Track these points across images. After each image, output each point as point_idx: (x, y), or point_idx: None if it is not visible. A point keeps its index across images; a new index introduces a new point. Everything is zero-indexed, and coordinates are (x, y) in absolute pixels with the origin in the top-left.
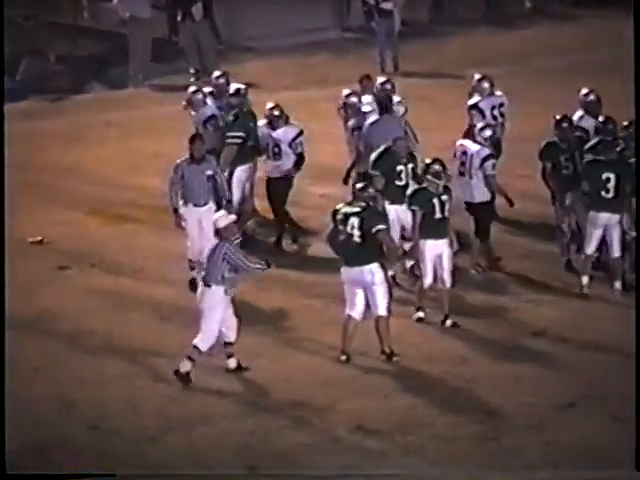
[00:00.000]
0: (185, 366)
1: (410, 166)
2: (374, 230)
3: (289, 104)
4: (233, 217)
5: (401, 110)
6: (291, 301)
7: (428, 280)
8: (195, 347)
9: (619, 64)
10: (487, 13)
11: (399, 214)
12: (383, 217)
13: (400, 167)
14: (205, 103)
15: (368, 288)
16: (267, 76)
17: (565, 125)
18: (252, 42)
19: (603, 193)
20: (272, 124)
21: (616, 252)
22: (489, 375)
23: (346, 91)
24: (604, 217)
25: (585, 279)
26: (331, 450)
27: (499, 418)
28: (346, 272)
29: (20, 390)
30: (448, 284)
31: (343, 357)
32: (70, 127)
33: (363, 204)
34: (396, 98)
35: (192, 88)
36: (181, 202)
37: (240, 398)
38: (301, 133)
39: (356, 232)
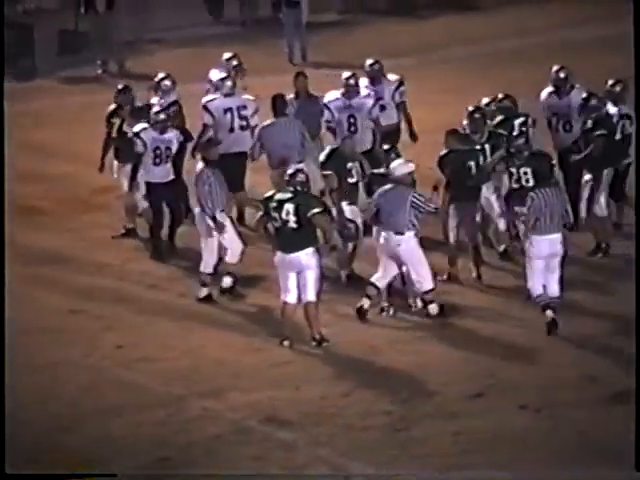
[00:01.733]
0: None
1: (358, 163)
2: (309, 214)
3: (200, 94)
4: (412, 166)
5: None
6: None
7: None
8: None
9: (526, 53)
10: (395, 3)
11: (354, 213)
12: (318, 201)
13: (350, 164)
14: (173, 89)
15: (301, 272)
16: (176, 67)
17: (477, 116)
18: (161, 33)
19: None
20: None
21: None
22: (398, 365)
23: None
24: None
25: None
26: (242, 441)
27: (408, 408)
28: (281, 258)
29: None
30: None
31: (286, 342)
32: None
33: (295, 190)
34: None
35: (161, 74)
36: (198, 209)
37: (152, 389)
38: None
39: (292, 218)
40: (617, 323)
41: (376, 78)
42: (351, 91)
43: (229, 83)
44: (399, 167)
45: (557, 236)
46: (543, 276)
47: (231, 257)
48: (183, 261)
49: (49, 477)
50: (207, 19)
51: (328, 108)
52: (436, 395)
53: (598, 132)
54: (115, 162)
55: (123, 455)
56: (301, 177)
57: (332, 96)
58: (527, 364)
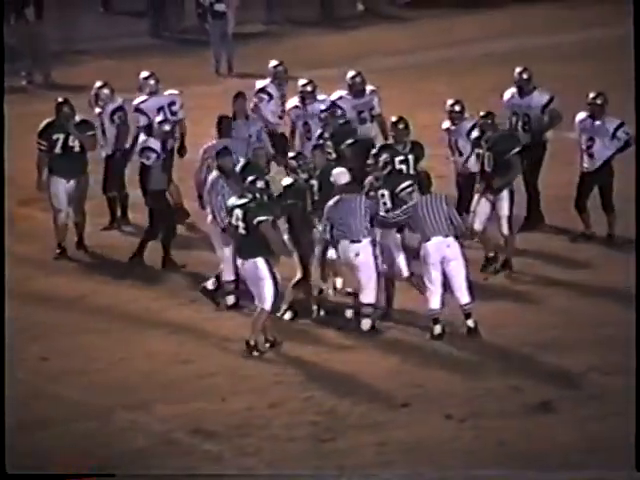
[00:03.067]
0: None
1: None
2: (255, 221)
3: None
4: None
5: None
6: (129, 304)
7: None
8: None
9: (449, 65)
10: (320, 14)
11: None
12: (269, 209)
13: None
14: (112, 97)
15: (253, 282)
16: (101, 78)
17: (401, 127)
18: (87, 44)
19: None
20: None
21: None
22: (324, 375)
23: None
24: None
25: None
26: (169, 453)
27: (334, 418)
28: (239, 265)
29: None
30: None
31: (267, 345)
32: None
33: (251, 196)
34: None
35: (98, 83)
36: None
37: (79, 401)
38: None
39: (240, 224)
40: (543, 333)
41: (358, 90)
42: (358, 89)
43: (152, 82)
44: (340, 176)
45: (445, 240)
46: (441, 284)
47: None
48: (107, 273)
49: (49, 477)
50: (132, 31)
51: (338, 106)
52: (362, 405)
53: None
54: (53, 178)
55: (48, 467)
56: (260, 184)
57: (338, 95)
58: (453, 374)
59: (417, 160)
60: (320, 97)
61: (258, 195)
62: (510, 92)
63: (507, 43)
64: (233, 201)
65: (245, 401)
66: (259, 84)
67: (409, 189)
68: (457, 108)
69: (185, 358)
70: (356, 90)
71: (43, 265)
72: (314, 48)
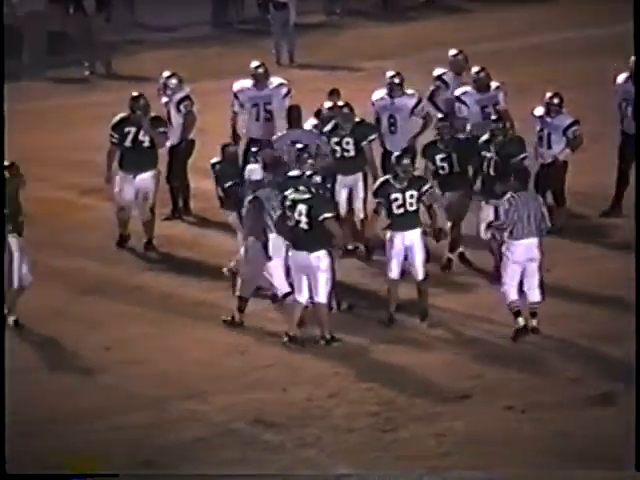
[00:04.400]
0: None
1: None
2: (321, 218)
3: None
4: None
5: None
6: (185, 295)
7: None
8: None
9: (506, 56)
10: (381, 5)
11: None
12: (331, 205)
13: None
14: (180, 86)
15: (312, 274)
16: (162, 68)
17: (443, 124)
18: (146, 35)
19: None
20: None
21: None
22: (384, 366)
23: None
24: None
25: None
26: (227, 444)
27: (394, 409)
28: (294, 257)
29: None
30: None
31: (285, 339)
32: None
33: (311, 191)
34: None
35: (166, 73)
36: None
37: (135, 392)
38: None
39: (304, 219)
40: (601, 326)
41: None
42: (395, 90)
43: (261, 70)
44: (253, 172)
45: (534, 240)
46: (518, 281)
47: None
48: (166, 263)
49: (49, 477)
50: (193, 20)
51: (462, 101)
52: (422, 396)
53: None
54: (120, 172)
55: (104, 458)
56: (317, 179)
57: (378, 95)
58: (513, 365)
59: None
60: (409, 91)
61: (316, 190)
62: (623, 77)
63: (557, 35)
64: (294, 195)
65: (304, 391)
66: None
67: (430, 190)
68: (556, 101)
69: (242, 349)
70: (480, 85)
71: (102, 255)
72: (374, 39)
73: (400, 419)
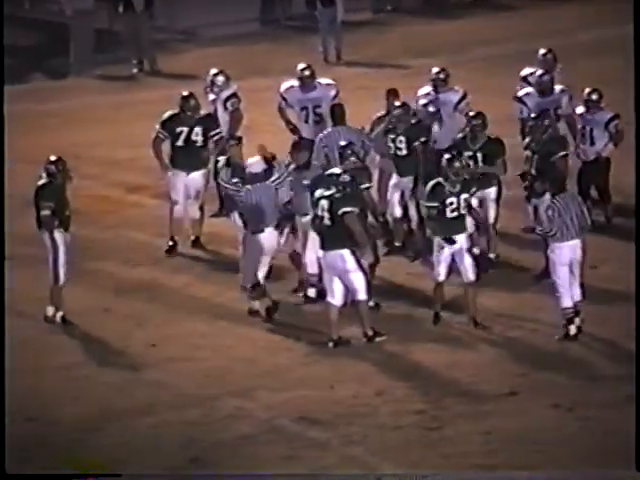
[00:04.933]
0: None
1: None
2: (340, 212)
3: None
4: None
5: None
6: (231, 292)
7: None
8: None
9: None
10: (428, 3)
11: None
12: (354, 200)
13: None
14: (227, 84)
15: (342, 273)
16: (208, 66)
17: (476, 122)
18: (192, 32)
19: None
20: (437, 89)
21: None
22: (430, 364)
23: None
24: None
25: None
26: (274, 440)
27: (440, 407)
28: (323, 257)
29: None
30: None
31: (330, 344)
32: (10, 117)
33: (337, 188)
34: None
35: (214, 70)
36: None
37: (182, 389)
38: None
39: (326, 215)
40: None
41: (545, 88)
42: (439, 85)
43: (307, 72)
44: (251, 165)
45: (577, 241)
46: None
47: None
48: (213, 261)
49: (49, 477)
50: (241, 17)
51: (523, 102)
52: (468, 394)
53: None
54: (174, 171)
55: (152, 455)
56: (345, 178)
57: (424, 91)
58: (559, 364)
59: (487, 157)
60: (455, 87)
61: (343, 187)
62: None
63: (604, 32)
64: (320, 192)
65: (350, 389)
66: None
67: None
68: (594, 97)
69: (288, 346)
70: (543, 88)
71: (150, 252)
72: (421, 37)
73: (446, 417)
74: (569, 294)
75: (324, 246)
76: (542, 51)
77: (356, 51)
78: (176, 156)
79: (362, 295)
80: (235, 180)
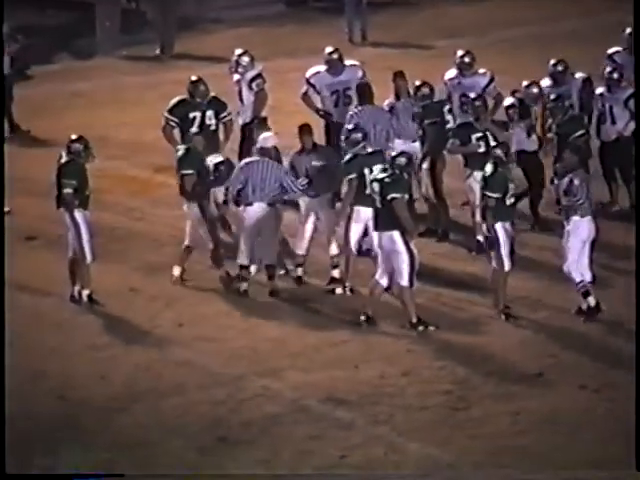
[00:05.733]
0: None
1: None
2: (389, 197)
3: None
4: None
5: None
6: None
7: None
8: None
9: (583, 34)
10: None
11: None
12: (403, 186)
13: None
14: (252, 64)
15: (391, 255)
16: (234, 47)
17: (478, 104)
18: (219, 13)
19: None
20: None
21: None
22: (457, 344)
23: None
24: None
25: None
26: (300, 420)
27: (467, 388)
28: (375, 237)
29: None
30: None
31: (362, 317)
32: (37, 97)
33: (390, 171)
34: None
35: (239, 50)
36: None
37: (210, 368)
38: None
39: (377, 197)
40: None
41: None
42: (464, 68)
43: (335, 56)
44: (265, 139)
45: (591, 219)
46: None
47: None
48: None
49: (49, 477)
50: None
51: (446, 85)
52: (495, 375)
53: None
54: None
55: (179, 434)
56: (401, 161)
57: (451, 74)
58: (586, 346)
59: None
60: (481, 71)
61: (393, 171)
62: (546, 84)
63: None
64: (373, 174)
65: (377, 369)
66: None
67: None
68: (615, 76)
69: (315, 326)
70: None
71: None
72: (447, 18)
73: (473, 397)
74: (584, 268)
75: (376, 226)
76: (628, 30)
77: (381, 32)
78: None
79: (404, 281)
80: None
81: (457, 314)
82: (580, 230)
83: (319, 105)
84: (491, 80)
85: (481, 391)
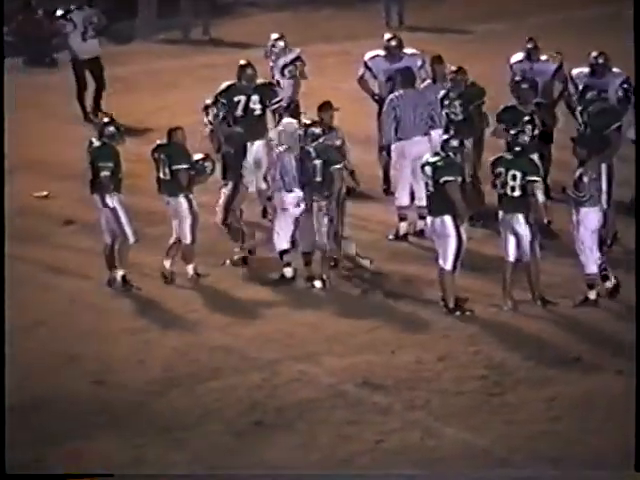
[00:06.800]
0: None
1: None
2: (442, 181)
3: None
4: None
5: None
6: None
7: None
8: None
9: (617, 20)
10: None
11: None
12: (455, 169)
13: None
14: (287, 49)
15: (441, 239)
16: (270, 31)
17: (525, 86)
18: None
19: None
20: (531, 57)
21: None
22: (493, 329)
23: None
24: None
25: None
26: (337, 405)
27: (503, 373)
28: (428, 221)
29: (22, 344)
30: None
31: (442, 304)
32: (72, 81)
33: (443, 154)
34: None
35: (274, 35)
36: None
37: (246, 353)
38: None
39: (429, 182)
40: None
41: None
42: (533, 54)
43: (394, 43)
44: (288, 124)
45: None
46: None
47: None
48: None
49: (49, 477)
50: None
51: (511, 68)
52: (531, 360)
53: None
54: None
55: (216, 419)
56: (453, 143)
57: (517, 58)
58: (622, 329)
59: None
60: (543, 57)
61: (445, 154)
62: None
63: None
64: (426, 158)
65: (413, 354)
66: None
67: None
68: (600, 60)
69: (351, 310)
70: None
71: (213, 216)
72: (485, 2)
73: (509, 383)
74: (594, 260)
75: (430, 211)
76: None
77: (418, 16)
78: (236, 126)
79: (447, 265)
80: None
81: (493, 299)
82: (588, 220)
83: (376, 90)
84: (560, 66)
85: (516, 376)
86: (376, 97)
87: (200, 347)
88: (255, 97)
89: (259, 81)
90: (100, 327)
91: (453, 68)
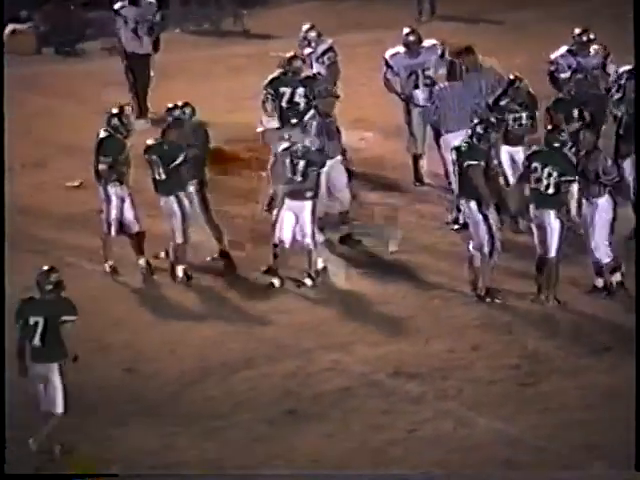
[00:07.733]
0: None
1: None
2: (465, 165)
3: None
4: None
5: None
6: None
7: None
8: None
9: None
10: None
11: None
12: (480, 154)
13: None
14: (319, 39)
15: (471, 224)
16: (301, 21)
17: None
18: None
19: None
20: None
21: None
22: (525, 318)
23: None
24: None
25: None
26: (370, 394)
27: (536, 362)
28: (462, 206)
29: None
30: None
31: (478, 292)
32: (103, 71)
33: (468, 139)
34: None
35: (306, 25)
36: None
37: (280, 341)
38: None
39: (455, 166)
40: None
41: None
42: (580, 48)
43: (412, 38)
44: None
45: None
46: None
47: None
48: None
49: (49, 477)
50: None
51: (557, 63)
52: (564, 349)
53: None
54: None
55: (250, 407)
56: (478, 130)
57: (561, 51)
58: None
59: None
60: (590, 51)
61: (470, 139)
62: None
63: None
64: (454, 143)
65: (446, 343)
66: None
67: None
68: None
69: (385, 300)
70: None
71: (248, 205)
72: None
73: (542, 372)
74: (605, 249)
75: (458, 195)
76: (577, 30)
77: (451, 5)
78: (282, 115)
79: (484, 250)
80: None
81: (526, 287)
82: (604, 209)
83: (398, 88)
84: (607, 56)
85: (549, 365)
86: (402, 96)
87: (233, 336)
88: (300, 90)
89: (309, 73)
90: (133, 316)
91: (511, 76)
